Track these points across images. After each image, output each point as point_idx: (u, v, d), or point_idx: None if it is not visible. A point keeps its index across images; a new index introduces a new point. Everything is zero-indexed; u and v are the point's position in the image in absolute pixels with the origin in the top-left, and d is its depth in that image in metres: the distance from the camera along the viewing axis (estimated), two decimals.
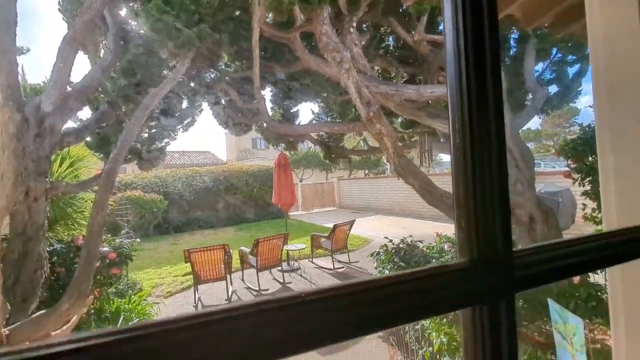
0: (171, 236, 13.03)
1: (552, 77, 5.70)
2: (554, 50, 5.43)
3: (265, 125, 6.39)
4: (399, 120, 7.01)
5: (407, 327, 3.69)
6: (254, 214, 15.63)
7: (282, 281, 7.13)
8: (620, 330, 0.68)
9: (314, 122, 7.59)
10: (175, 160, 24.59)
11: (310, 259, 8.35)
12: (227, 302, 6.19)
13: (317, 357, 4.34)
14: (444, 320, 3.03)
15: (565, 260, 0.41)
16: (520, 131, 5.33)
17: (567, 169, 4.58)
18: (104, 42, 5.11)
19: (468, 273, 0.33)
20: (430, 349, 2.90)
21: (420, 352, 3.22)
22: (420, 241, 4.49)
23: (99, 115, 5.00)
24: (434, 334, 2.86)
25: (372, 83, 4.19)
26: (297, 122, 7.05)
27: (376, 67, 6.15)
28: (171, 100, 5.38)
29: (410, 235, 4.59)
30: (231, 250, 6.57)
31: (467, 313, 0.35)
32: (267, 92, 7.03)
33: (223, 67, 6.22)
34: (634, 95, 0.60)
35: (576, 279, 2.60)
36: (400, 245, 4.32)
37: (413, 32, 4.60)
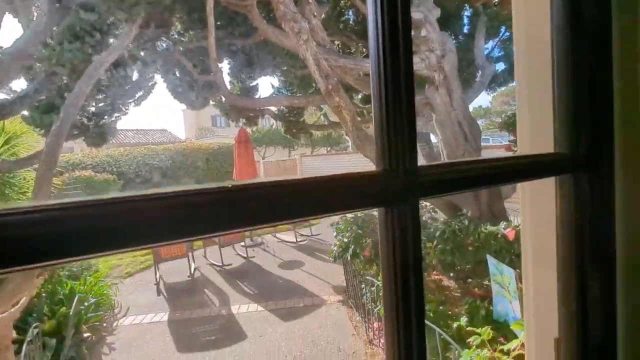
0: None
1: (500, 54, 6.01)
2: (503, 29, 5.71)
3: (224, 99, 6.17)
4: (359, 96, 7.09)
5: (364, 290, 3.91)
6: None
7: (246, 256, 7.17)
8: (529, 273, 0.80)
9: (274, 96, 7.44)
10: (129, 139, 23.06)
11: (274, 234, 8.43)
12: (190, 279, 6.14)
13: (279, 321, 4.51)
14: None
15: (461, 175, 0.49)
16: (471, 108, 5.63)
17: (508, 142, 4.95)
18: (37, 4, 4.59)
19: (380, 179, 0.39)
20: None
21: (375, 310, 3.45)
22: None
23: (37, 86, 4.55)
24: None
25: (331, 56, 4.18)
26: (257, 96, 6.89)
27: (336, 42, 6.11)
28: (119, 70, 5.01)
29: None
30: None
31: (381, 214, 0.41)
32: (225, 65, 6.75)
33: (176, 36, 5.85)
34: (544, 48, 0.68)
35: (511, 236, 2.89)
36: (358, 215, 4.49)
37: None
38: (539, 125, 0.74)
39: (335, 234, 4.70)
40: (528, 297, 0.81)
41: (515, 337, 1.95)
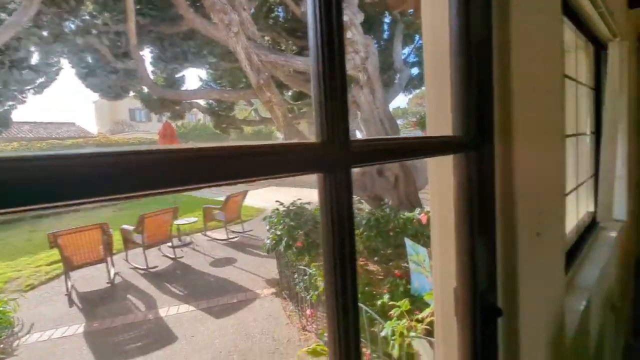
0: (27, 222, 10.71)
1: (415, 60, 6.61)
2: (417, 37, 6.28)
3: (146, 90, 5.68)
4: (290, 93, 7.15)
5: (297, 280, 4.01)
6: None
7: (174, 256, 6.74)
8: (436, 244, 0.94)
9: (202, 88, 7.08)
10: (24, 133, 19.65)
11: (204, 232, 8.06)
12: (109, 285, 5.57)
13: (212, 319, 4.37)
14: None
15: (385, 148, 0.58)
16: (391, 108, 6.09)
17: None
18: None
19: (318, 148, 0.45)
20: (317, 292, 3.26)
21: (308, 297, 3.57)
22: (308, 203, 4.83)
23: None
24: (319, 278, 3.20)
25: (261, 51, 4.15)
26: (183, 88, 6.47)
27: (266, 37, 6.07)
28: (14, 51, 4.28)
29: (299, 199, 4.89)
30: (111, 230, 5.85)
31: (320, 181, 0.47)
32: (147, 53, 6.21)
33: (88, 17, 5.18)
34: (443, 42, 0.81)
35: (424, 220, 3.25)
36: (291, 208, 4.57)
37: (301, 4, 4.68)
38: (441, 115, 0.88)
39: (268, 227, 4.70)
40: (435, 262, 0.96)
41: (429, 308, 2.22)
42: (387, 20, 6.23)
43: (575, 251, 1.76)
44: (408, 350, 2.22)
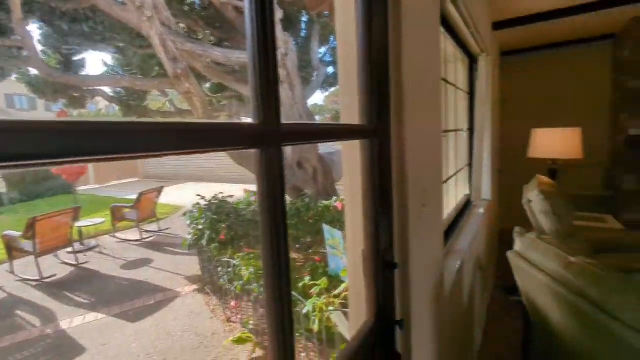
0: None
1: (331, 59, 6.94)
2: (332, 38, 6.60)
3: (35, 73, 4.81)
4: (208, 85, 6.83)
5: (220, 272, 3.94)
6: (21, 193, 11.75)
7: (75, 263, 5.93)
8: (349, 221, 1.09)
9: (107, 75, 6.28)
10: None
11: (112, 234, 7.25)
12: None
13: (127, 324, 4.03)
14: (252, 256, 3.46)
15: (307, 130, 0.69)
16: (309, 105, 6.31)
17: None
18: None
19: (255, 127, 0.54)
20: (241, 282, 3.27)
21: (232, 288, 3.56)
22: (230, 196, 4.76)
23: None
24: (243, 268, 3.22)
25: (177, 39, 3.91)
26: (82, 73, 5.65)
27: (181, 25, 5.69)
28: None
29: (221, 192, 4.78)
30: None
31: (257, 155, 0.55)
32: (36, 30, 5.24)
33: None
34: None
35: (340, 207, 3.52)
36: (213, 202, 4.44)
37: None
38: (351, 108, 1.02)
39: (189, 222, 4.50)
40: (348, 232, 1.11)
41: (344, 284, 2.45)
42: (305, 19, 6.40)
43: (455, 224, 2.15)
44: (327, 324, 2.42)
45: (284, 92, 4.79)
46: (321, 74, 5.39)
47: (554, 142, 2.97)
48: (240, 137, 0.53)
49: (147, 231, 7.36)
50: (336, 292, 2.45)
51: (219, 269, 4.05)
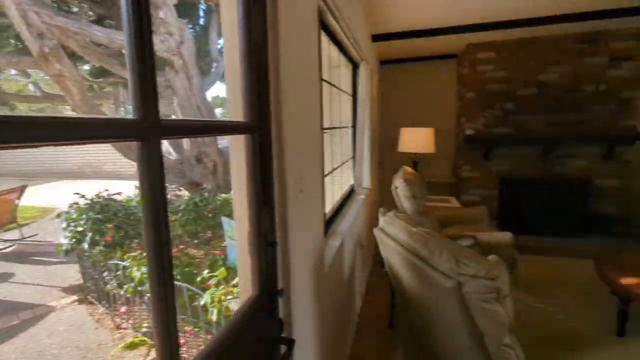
0: None
1: None
2: None
3: None
4: (87, 67, 5.89)
5: (107, 277, 3.55)
6: None
7: None
8: (237, 213, 1.17)
9: None
10: None
11: None
12: None
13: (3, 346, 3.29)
14: (145, 255, 3.21)
15: (187, 125, 0.75)
16: (210, 97, 6.03)
17: None
18: None
19: (135, 122, 0.57)
20: (133, 284, 3.03)
21: (122, 292, 3.26)
22: (118, 193, 4.27)
23: None
24: (134, 269, 2.99)
25: (44, 10, 3.29)
26: None
27: None
28: None
29: (107, 190, 4.25)
30: None
31: (138, 148, 0.58)
32: None
33: None
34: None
35: None
36: (96, 200, 3.92)
37: None
38: (237, 104, 1.11)
39: (65, 225, 3.88)
40: (236, 217, 1.20)
41: None
42: (204, 7, 6.07)
43: (340, 209, 2.44)
44: (227, 313, 2.46)
45: (180, 82, 4.51)
46: (221, 66, 5.22)
47: (414, 139, 3.59)
48: (122, 129, 0.56)
49: (3, 240, 6.02)
50: (234, 281, 2.50)
51: (106, 273, 3.63)
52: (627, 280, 2.14)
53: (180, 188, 4.90)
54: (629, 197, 4.15)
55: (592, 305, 2.71)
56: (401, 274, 1.56)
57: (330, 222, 2.13)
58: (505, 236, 2.50)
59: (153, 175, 0.60)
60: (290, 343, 1.11)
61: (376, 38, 3.61)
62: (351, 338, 2.41)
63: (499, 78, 4.39)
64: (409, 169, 2.69)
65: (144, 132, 0.59)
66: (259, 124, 1.06)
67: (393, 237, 1.60)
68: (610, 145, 4.04)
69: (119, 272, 3.41)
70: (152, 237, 0.62)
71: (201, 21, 6.36)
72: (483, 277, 1.10)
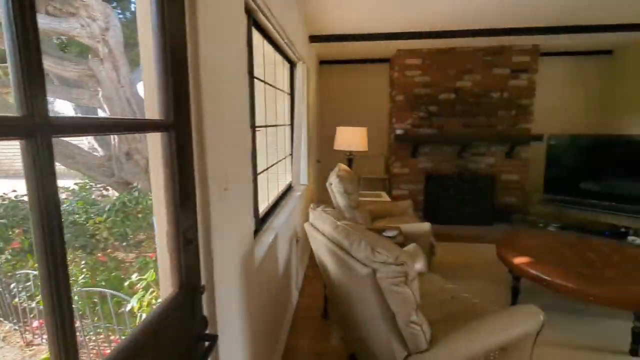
0: None
1: None
2: None
3: None
4: None
5: (14, 290, 3.13)
6: None
7: None
8: (158, 215, 1.12)
9: None
10: None
11: None
12: None
13: None
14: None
15: (88, 123, 0.71)
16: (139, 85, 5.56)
17: None
18: None
19: (22, 119, 0.51)
20: None
21: (34, 304, 2.90)
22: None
23: None
24: None
25: None
26: None
27: None
28: None
29: (14, 190, 3.70)
30: None
31: (23, 147, 0.52)
32: None
33: None
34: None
35: None
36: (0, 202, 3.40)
37: None
38: (153, 101, 1.06)
39: None
40: (157, 216, 1.15)
41: None
42: None
43: (277, 205, 2.46)
44: None
45: (105, 72, 4.10)
46: None
47: (349, 138, 3.76)
48: (2, 127, 0.50)
49: None
50: None
51: (13, 285, 3.18)
52: (518, 260, 2.51)
53: (108, 188, 4.47)
54: (525, 190, 4.84)
55: (494, 283, 3.12)
56: (328, 266, 1.64)
57: (265, 218, 2.13)
58: (425, 226, 2.75)
59: (42, 178, 0.55)
60: (212, 339, 1.11)
61: (313, 39, 3.68)
62: (287, 329, 2.45)
63: (424, 83, 4.77)
64: (343, 166, 2.81)
65: (30, 129, 0.53)
66: (176, 122, 1.03)
67: (321, 230, 1.67)
68: (512, 146, 4.67)
69: (29, 283, 3.02)
70: (44, 247, 0.55)
71: (132, 7, 5.84)
72: (393, 263, 1.21)
